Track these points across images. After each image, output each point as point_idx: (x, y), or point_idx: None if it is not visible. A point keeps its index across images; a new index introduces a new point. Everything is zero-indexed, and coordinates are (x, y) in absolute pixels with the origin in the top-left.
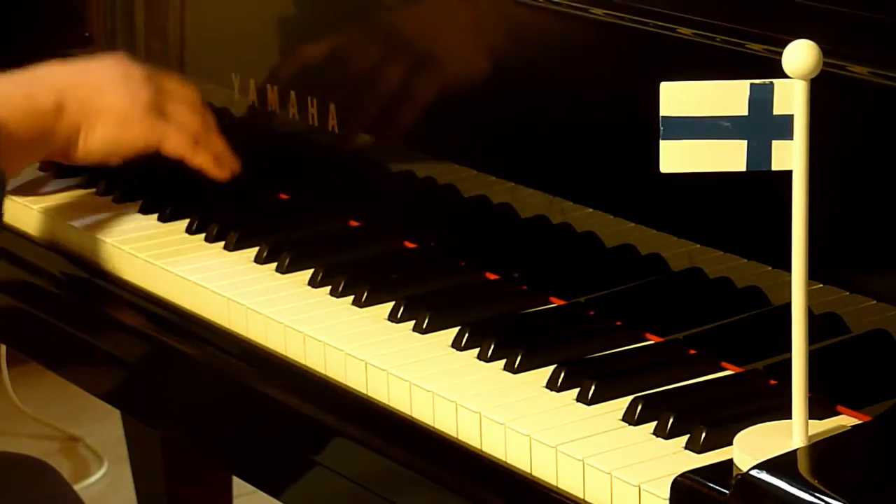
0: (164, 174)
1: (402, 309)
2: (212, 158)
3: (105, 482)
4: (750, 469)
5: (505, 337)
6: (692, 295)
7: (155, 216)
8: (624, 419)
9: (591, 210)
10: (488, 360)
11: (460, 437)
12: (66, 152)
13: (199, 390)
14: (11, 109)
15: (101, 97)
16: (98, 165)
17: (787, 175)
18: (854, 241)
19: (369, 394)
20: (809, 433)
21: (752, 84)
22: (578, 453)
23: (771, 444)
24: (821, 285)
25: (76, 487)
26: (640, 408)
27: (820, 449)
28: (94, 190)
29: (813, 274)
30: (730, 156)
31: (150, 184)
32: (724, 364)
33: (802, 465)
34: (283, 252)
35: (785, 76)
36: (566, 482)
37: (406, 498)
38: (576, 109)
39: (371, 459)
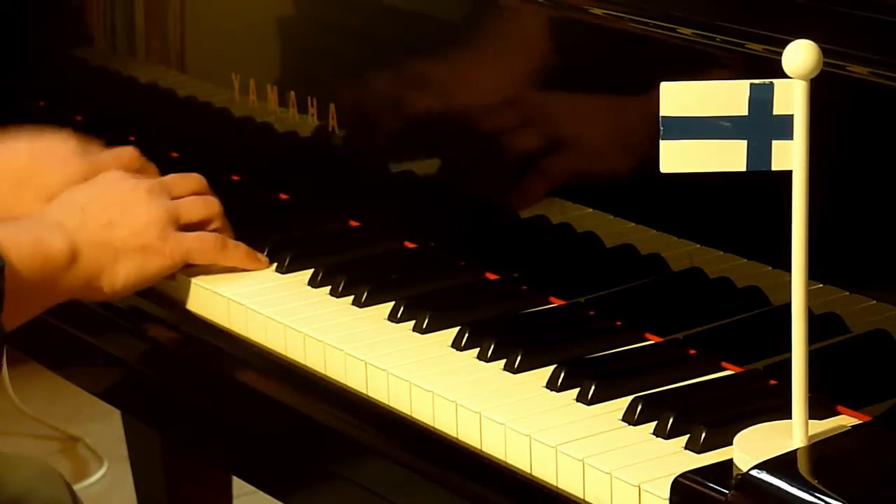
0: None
1: (402, 309)
2: (245, 253)
3: (105, 482)
4: (750, 469)
5: (505, 337)
6: (692, 295)
7: None
8: (624, 419)
9: (591, 210)
10: (488, 360)
11: (460, 437)
12: (86, 294)
13: (199, 390)
14: (22, 255)
15: (114, 232)
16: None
17: (787, 175)
18: (854, 241)
19: (369, 394)
20: (809, 433)
21: (752, 84)
22: (578, 453)
23: (771, 444)
24: (821, 285)
25: (76, 487)
26: (640, 408)
27: (820, 449)
28: None
29: (813, 274)
30: (730, 156)
31: None
32: (724, 364)
33: (802, 465)
34: (283, 252)
35: (785, 76)
36: (566, 482)
37: (406, 498)
38: (575, 109)
39: (370, 459)
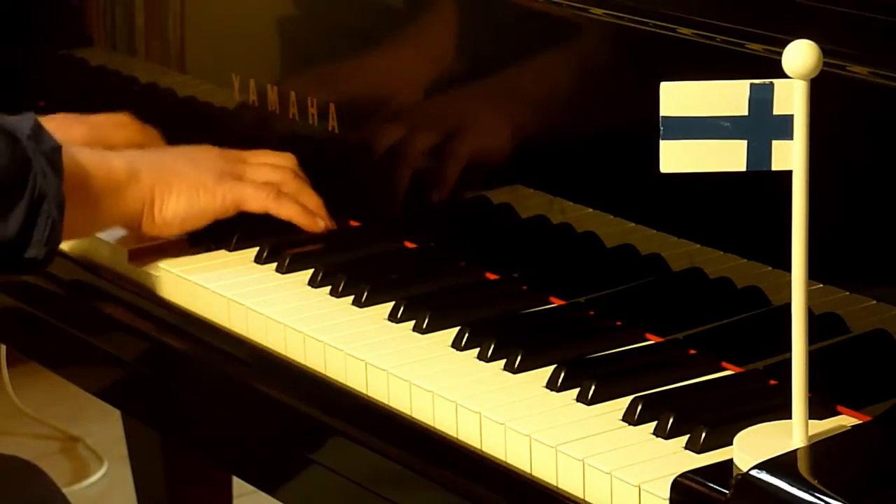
0: None
1: (402, 309)
2: (300, 209)
3: (105, 482)
4: (750, 469)
5: (505, 337)
6: (692, 295)
7: None
8: (624, 419)
9: (591, 210)
10: (488, 360)
11: (460, 437)
12: (139, 224)
13: (199, 390)
14: (86, 163)
15: (174, 167)
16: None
17: (787, 175)
18: (854, 241)
19: (369, 394)
20: (809, 433)
21: (752, 84)
22: (578, 453)
23: (771, 444)
24: (821, 285)
25: (76, 487)
26: (640, 408)
27: (820, 449)
28: None
29: (813, 274)
30: (730, 156)
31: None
32: (724, 364)
33: (802, 465)
34: (283, 252)
35: (785, 76)
36: (566, 482)
37: (406, 498)
38: (576, 109)
39: (371, 459)
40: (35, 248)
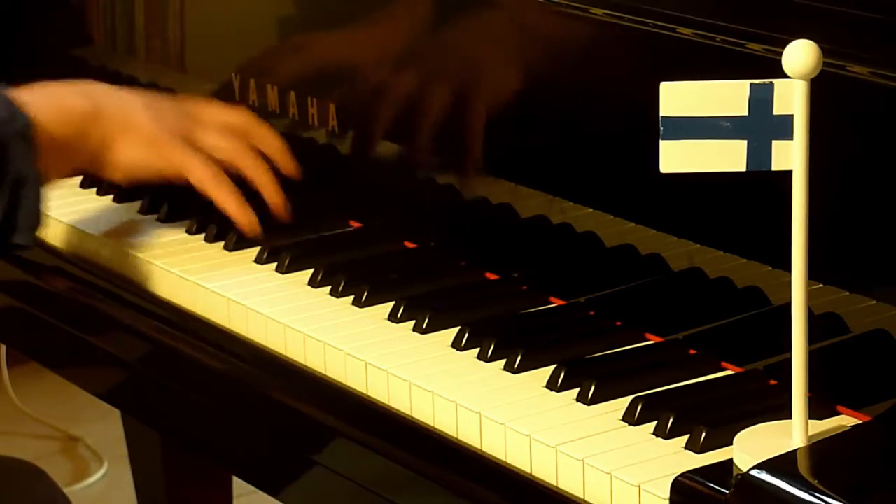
0: None
1: (402, 309)
2: (236, 202)
3: (105, 482)
4: (750, 469)
5: (505, 337)
6: (692, 295)
7: (154, 216)
8: (624, 419)
9: (591, 210)
10: (488, 360)
11: (460, 437)
12: (97, 162)
13: (199, 390)
14: (44, 112)
15: (133, 115)
16: (128, 184)
17: (787, 175)
18: (854, 241)
19: (369, 394)
20: (809, 433)
21: (752, 84)
22: (578, 453)
23: (771, 444)
24: (821, 285)
25: (76, 487)
26: (640, 408)
27: (820, 449)
28: (94, 190)
29: (813, 274)
30: (730, 156)
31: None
32: (724, 364)
33: (802, 465)
34: (283, 252)
35: (785, 76)
36: (566, 482)
37: (406, 498)
38: (575, 109)
39: (371, 459)
40: (22, 234)
